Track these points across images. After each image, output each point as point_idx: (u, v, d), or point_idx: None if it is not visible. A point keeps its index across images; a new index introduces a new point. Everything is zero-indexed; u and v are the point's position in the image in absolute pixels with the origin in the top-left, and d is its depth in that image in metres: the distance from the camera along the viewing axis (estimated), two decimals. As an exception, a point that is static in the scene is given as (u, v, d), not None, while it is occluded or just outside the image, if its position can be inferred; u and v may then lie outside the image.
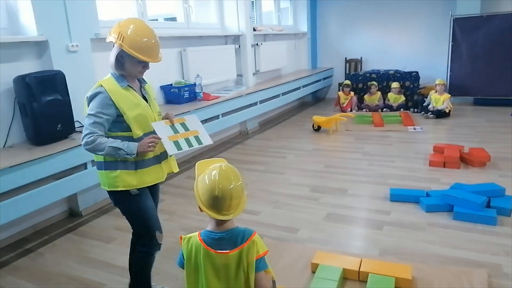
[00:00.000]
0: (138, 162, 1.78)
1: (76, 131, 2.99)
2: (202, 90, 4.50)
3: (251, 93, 5.27)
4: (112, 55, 1.74)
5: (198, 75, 4.51)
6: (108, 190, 1.83)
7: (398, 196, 3.14)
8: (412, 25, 7.33)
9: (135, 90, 1.81)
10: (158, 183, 1.97)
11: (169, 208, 3.29)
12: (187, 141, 1.90)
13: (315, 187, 3.55)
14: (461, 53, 6.51)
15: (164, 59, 4.46)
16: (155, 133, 1.79)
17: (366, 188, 3.47)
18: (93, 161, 2.91)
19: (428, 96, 6.20)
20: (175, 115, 1.94)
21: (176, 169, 2.01)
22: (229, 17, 5.44)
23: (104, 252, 2.65)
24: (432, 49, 7.21)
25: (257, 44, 5.92)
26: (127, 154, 1.69)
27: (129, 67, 1.75)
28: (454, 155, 3.84)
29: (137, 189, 1.81)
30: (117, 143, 1.68)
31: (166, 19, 5.58)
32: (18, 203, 2.44)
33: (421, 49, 7.33)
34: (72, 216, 3.18)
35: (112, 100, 1.70)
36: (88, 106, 1.72)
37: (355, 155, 4.44)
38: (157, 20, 5.33)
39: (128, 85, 1.77)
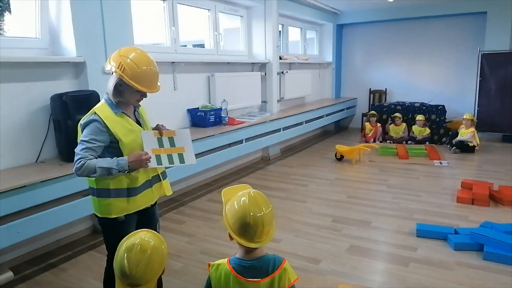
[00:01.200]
0: (130, 190, 1.80)
1: (106, 150, 3.07)
2: (227, 114, 4.57)
3: (275, 119, 5.31)
4: (111, 82, 1.77)
5: (224, 100, 4.59)
6: (99, 216, 1.84)
7: (425, 232, 3.04)
8: (439, 58, 7.32)
9: (129, 116, 1.84)
10: (154, 205, 2.00)
11: (189, 230, 3.28)
12: (169, 157, 1.88)
13: (337, 218, 3.49)
14: (489, 88, 6.42)
15: (192, 84, 4.57)
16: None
17: (391, 221, 3.38)
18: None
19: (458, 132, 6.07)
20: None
21: (169, 192, 2.01)
22: (256, 45, 5.58)
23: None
24: (460, 83, 7.15)
25: (282, 72, 6.02)
26: (119, 171, 1.70)
27: (128, 95, 1.78)
28: (483, 192, 3.71)
29: (125, 215, 1.82)
30: (107, 162, 1.69)
31: (195, 45, 5.77)
32: (47, 217, 2.49)
33: (448, 83, 7.28)
34: (95, 233, 3.21)
35: (107, 127, 1.72)
36: (82, 133, 1.74)
37: (379, 187, 4.36)
38: (185, 46, 5.53)
39: (122, 112, 1.80)
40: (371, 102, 7.94)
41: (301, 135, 6.56)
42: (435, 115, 6.65)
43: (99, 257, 2.84)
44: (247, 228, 1.31)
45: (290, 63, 6.45)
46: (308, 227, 3.31)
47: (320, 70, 7.80)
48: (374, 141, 6.53)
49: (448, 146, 6.02)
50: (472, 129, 5.86)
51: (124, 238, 1.40)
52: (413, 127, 6.61)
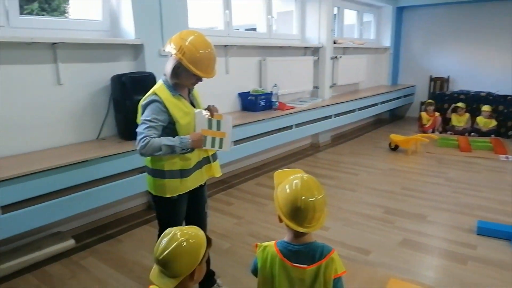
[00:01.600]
0: (183, 172, 1.86)
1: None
2: (278, 99, 4.52)
3: (326, 105, 5.18)
4: (169, 64, 1.81)
5: (275, 84, 4.54)
6: (153, 194, 1.92)
7: (487, 230, 2.83)
8: (508, 44, 6.66)
9: (184, 98, 1.88)
10: (203, 185, 2.06)
11: (237, 212, 3.32)
12: (213, 140, 1.90)
13: (389, 209, 3.35)
14: None
15: (244, 68, 4.55)
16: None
17: (449, 216, 3.18)
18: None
19: None
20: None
21: (218, 174, 2.05)
22: (310, 29, 5.43)
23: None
24: (534, 71, 6.49)
25: (336, 57, 5.82)
26: (182, 149, 1.76)
27: (184, 78, 1.81)
28: (557, 191, 3.37)
29: (178, 195, 1.89)
30: (170, 140, 1.74)
31: (247, 29, 5.74)
32: (106, 191, 2.63)
33: (520, 71, 6.64)
34: (149, 209, 3.36)
35: (166, 108, 1.77)
36: (143, 113, 1.79)
37: (437, 179, 4.11)
38: (238, 30, 5.52)
39: (179, 94, 1.84)
40: (431, 90, 7.47)
41: (353, 122, 6.35)
42: (503, 106, 6.10)
43: (152, 231, 2.96)
44: (297, 212, 1.28)
45: (344, 47, 6.22)
46: (358, 216, 3.21)
47: (377, 55, 7.45)
48: (433, 132, 6.16)
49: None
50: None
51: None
52: (478, 118, 6.12)
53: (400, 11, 7.60)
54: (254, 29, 5.20)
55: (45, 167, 2.29)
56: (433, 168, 4.55)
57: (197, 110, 1.88)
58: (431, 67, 7.57)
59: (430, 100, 6.49)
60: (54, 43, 2.67)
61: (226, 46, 4.06)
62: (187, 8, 3.46)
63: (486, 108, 6.03)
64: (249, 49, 4.48)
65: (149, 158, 1.86)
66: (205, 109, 1.94)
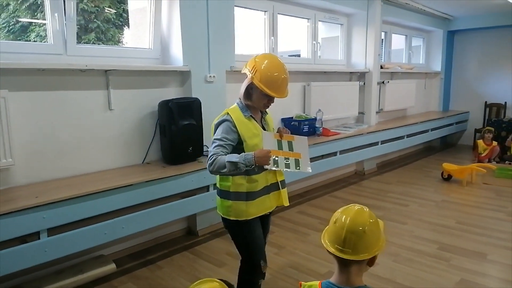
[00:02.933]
0: (248, 194, 1.83)
1: (204, 155, 3.18)
2: (322, 125, 4.43)
3: (372, 132, 5.00)
4: (243, 85, 1.87)
5: (319, 109, 4.46)
6: (222, 216, 1.92)
7: (561, 275, 2.50)
8: None
9: (256, 121, 1.90)
10: (269, 213, 2.01)
11: (278, 241, 3.21)
12: (286, 161, 1.87)
13: (444, 245, 3.08)
14: None
15: (288, 92, 4.50)
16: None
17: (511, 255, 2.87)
18: (215, 184, 3.05)
19: None
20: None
21: (286, 203, 2.00)
22: (356, 54, 5.34)
23: (213, 275, 2.66)
24: None
25: (383, 82, 5.65)
26: (246, 166, 1.74)
27: (256, 98, 1.85)
28: None
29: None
30: (235, 157, 1.74)
31: (290, 56, 5.75)
32: (148, 215, 2.65)
33: None
34: (189, 235, 3.34)
35: (236, 128, 1.81)
36: (215, 132, 1.84)
37: (497, 214, 3.76)
38: (282, 56, 5.54)
39: (250, 115, 1.87)
40: (486, 117, 7.02)
41: (400, 150, 6.07)
42: None
43: (192, 258, 2.93)
44: (332, 229, 1.24)
45: (392, 72, 6.04)
46: (410, 252, 2.98)
47: (426, 80, 7.16)
48: (489, 161, 5.72)
49: None
50: None
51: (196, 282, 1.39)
52: (541, 147, 5.63)
53: (451, 35, 7.30)
54: (298, 55, 5.19)
55: (91, 191, 2.34)
56: (491, 201, 4.18)
57: (264, 132, 1.88)
58: (485, 92, 7.14)
59: (489, 128, 6.06)
60: (106, 70, 2.79)
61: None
62: (234, 36, 3.52)
63: (550, 136, 5.53)
64: (293, 75, 4.44)
65: (218, 177, 1.91)
66: (276, 131, 1.96)
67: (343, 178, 5.23)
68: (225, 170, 1.73)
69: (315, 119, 4.41)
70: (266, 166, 1.79)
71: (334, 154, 4.44)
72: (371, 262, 1.25)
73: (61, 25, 2.65)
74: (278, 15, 4.28)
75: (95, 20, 4.38)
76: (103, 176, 2.68)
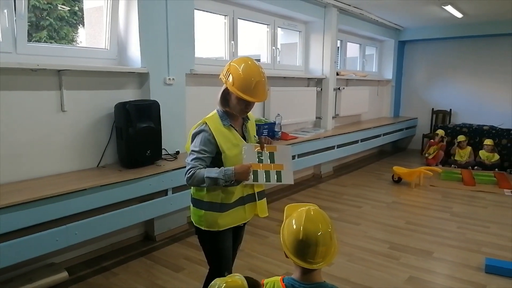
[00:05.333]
0: (223, 205, 1.79)
1: (162, 158, 3.14)
2: (281, 129, 4.51)
3: (329, 136, 5.16)
4: (219, 92, 1.79)
5: (278, 114, 4.54)
6: (194, 224, 1.89)
7: (495, 268, 2.73)
8: (511, 78, 6.73)
9: (236, 130, 1.81)
10: (243, 224, 1.95)
11: (238, 245, 3.22)
12: (267, 174, 1.79)
13: (394, 245, 3.25)
14: None
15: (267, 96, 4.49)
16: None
17: (456, 253, 3.08)
18: (174, 188, 3.02)
19: None
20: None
21: (264, 214, 1.91)
22: (313, 60, 5.51)
23: (171, 280, 2.64)
24: (536, 106, 6.51)
25: (339, 88, 5.87)
26: (225, 182, 1.69)
27: (233, 104, 1.76)
28: None
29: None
30: (214, 172, 1.69)
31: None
32: (103, 221, 2.56)
33: (522, 105, 6.66)
34: (146, 240, 3.27)
35: (214, 139, 1.73)
36: (192, 142, 1.77)
37: (442, 214, 4.02)
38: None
39: (230, 125, 1.79)
40: (433, 123, 7.49)
41: (355, 154, 6.32)
42: (506, 140, 6.09)
43: (149, 264, 2.88)
44: (300, 245, 1.23)
45: (347, 79, 6.28)
46: (363, 252, 3.11)
47: (379, 87, 7.52)
48: (436, 165, 6.11)
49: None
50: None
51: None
52: (480, 152, 6.09)
53: (402, 45, 7.73)
54: (258, 60, 5.27)
55: (43, 196, 2.23)
56: (437, 202, 4.47)
57: (245, 145, 1.79)
58: (432, 100, 7.61)
59: (440, 131, 6.50)
60: (59, 70, 2.68)
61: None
62: (194, 39, 3.51)
63: (488, 142, 6.01)
64: (253, 79, 4.51)
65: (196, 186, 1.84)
66: (257, 142, 1.85)
67: (301, 181, 5.35)
68: (204, 184, 1.69)
69: (274, 123, 4.49)
70: (245, 181, 1.74)
71: (293, 157, 4.52)
72: None
73: (11, 22, 2.52)
74: (239, 19, 4.33)
75: (47, 17, 4.18)
76: (56, 180, 2.56)
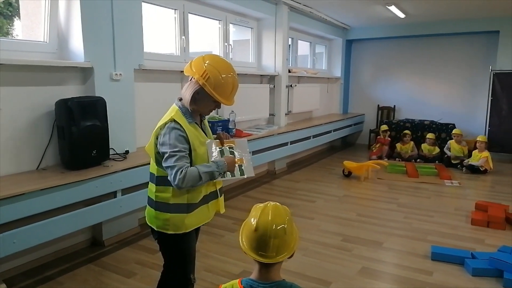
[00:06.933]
0: (189, 205, 1.72)
1: (110, 159, 2.97)
2: (235, 126, 4.47)
3: (282, 133, 5.21)
4: (189, 89, 1.69)
5: (232, 111, 4.50)
6: (155, 229, 1.76)
7: (441, 256, 2.89)
8: (450, 76, 7.23)
9: (199, 127, 1.77)
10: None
11: (193, 245, 3.14)
12: None
13: (347, 237, 3.34)
14: (501, 108, 6.31)
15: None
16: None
17: (404, 243, 3.23)
18: (123, 190, 2.87)
19: (447, 144, 6.15)
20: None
21: (223, 210, 1.91)
22: (266, 57, 5.53)
23: (122, 287, 2.51)
24: (470, 102, 7.05)
25: (291, 86, 5.94)
26: (219, 174, 1.67)
27: (203, 104, 1.71)
28: (499, 215, 3.56)
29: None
30: (207, 166, 1.64)
31: (203, 56, 5.71)
32: (45, 227, 2.37)
33: (458, 101, 7.17)
34: (94, 245, 3.08)
35: (187, 136, 1.66)
36: (162, 142, 1.64)
37: (390, 205, 4.21)
38: (192, 58, 5.47)
39: (195, 122, 1.74)
40: (379, 119, 7.84)
41: (307, 149, 6.45)
42: (445, 134, 6.53)
43: (98, 270, 2.71)
44: (253, 237, 1.21)
45: (299, 76, 6.38)
46: (317, 245, 3.16)
47: (329, 84, 7.73)
48: (381, 158, 6.40)
49: (459, 166, 5.88)
50: (486, 153, 5.68)
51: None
52: (422, 145, 6.48)
53: (349, 44, 8.00)
54: (211, 56, 5.18)
55: (-27, 202, 2.01)
56: (385, 194, 4.67)
57: (207, 141, 1.76)
58: (378, 96, 7.97)
59: (385, 126, 6.79)
60: (-9, 64, 2.44)
61: (182, 71, 3.97)
62: (142, 32, 3.36)
63: (430, 135, 6.41)
64: (205, 76, 4.42)
65: (153, 188, 1.73)
66: (216, 138, 1.82)
67: (256, 178, 5.35)
68: (200, 182, 1.60)
69: (228, 120, 4.44)
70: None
71: (247, 155, 4.51)
72: (291, 255, 1.28)
73: None
74: (189, 14, 4.22)
75: (-24, 7, 3.79)
76: (-12, 185, 2.33)
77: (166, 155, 1.61)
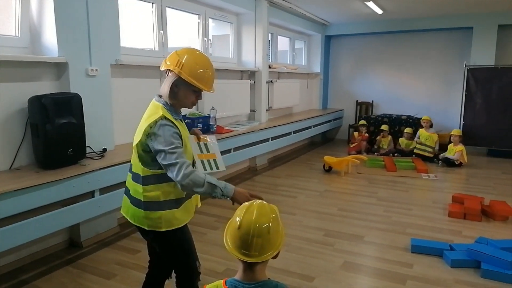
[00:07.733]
0: (178, 200, 1.70)
1: (87, 157, 2.88)
2: (216, 122, 4.43)
3: (263, 129, 5.19)
4: (166, 83, 1.66)
5: (213, 107, 4.45)
6: (146, 229, 1.70)
7: (420, 248, 2.95)
8: (425, 72, 7.38)
9: (184, 123, 1.79)
10: None
11: (174, 244, 3.09)
12: (208, 163, 1.87)
13: (329, 232, 3.37)
14: (475, 103, 6.49)
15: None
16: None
17: (384, 236, 3.28)
18: (101, 189, 2.78)
19: (417, 133, 6.31)
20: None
21: (199, 203, 1.92)
22: (246, 53, 5.49)
23: (103, 289, 2.45)
24: (446, 97, 7.22)
25: (271, 81, 5.93)
26: (222, 195, 1.61)
27: (183, 96, 1.67)
28: (475, 207, 3.66)
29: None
30: (215, 180, 1.59)
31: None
32: (20, 229, 2.27)
33: (434, 96, 7.34)
34: (72, 247, 2.99)
35: (180, 132, 1.65)
36: (155, 141, 1.58)
37: (370, 199, 4.27)
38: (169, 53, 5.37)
39: (180, 119, 1.73)
40: (357, 114, 7.94)
41: (288, 145, 6.47)
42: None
43: (76, 273, 2.63)
44: (237, 235, 1.19)
45: (279, 72, 6.38)
46: (300, 241, 3.17)
47: (308, 80, 7.76)
48: (360, 153, 6.49)
49: (435, 159, 6.02)
50: (461, 147, 5.84)
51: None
52: (400, 139, 6.60)
53: (328, 39, 8.05)
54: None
55: None
56: (365, 188, 4.73)
57: (189, 136, 1.82)
58: (357, 92, 8.06)
59: (363, 121, 6.88)
60: (-44, 59, 2.31)
61: (160, 67, 3.89)
62: (119, 26, 3.26)
63: (408, 130, 6.53)
64: (185, 71, 4.35)
65: (139, 189, 1.65)
66: (191, 133, 1.87)
67: (237, 174, 5.33)
68: (199, 189, 1.56)
69: (208, 116, 4.39)
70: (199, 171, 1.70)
71: (229, 151, 4.48)
72: (276, 255, 1.26)
73: None
74: (167, 8, 4.13)
75: None
76: (-44, 187, 2.21)
77: (163, 153, 1.56)
